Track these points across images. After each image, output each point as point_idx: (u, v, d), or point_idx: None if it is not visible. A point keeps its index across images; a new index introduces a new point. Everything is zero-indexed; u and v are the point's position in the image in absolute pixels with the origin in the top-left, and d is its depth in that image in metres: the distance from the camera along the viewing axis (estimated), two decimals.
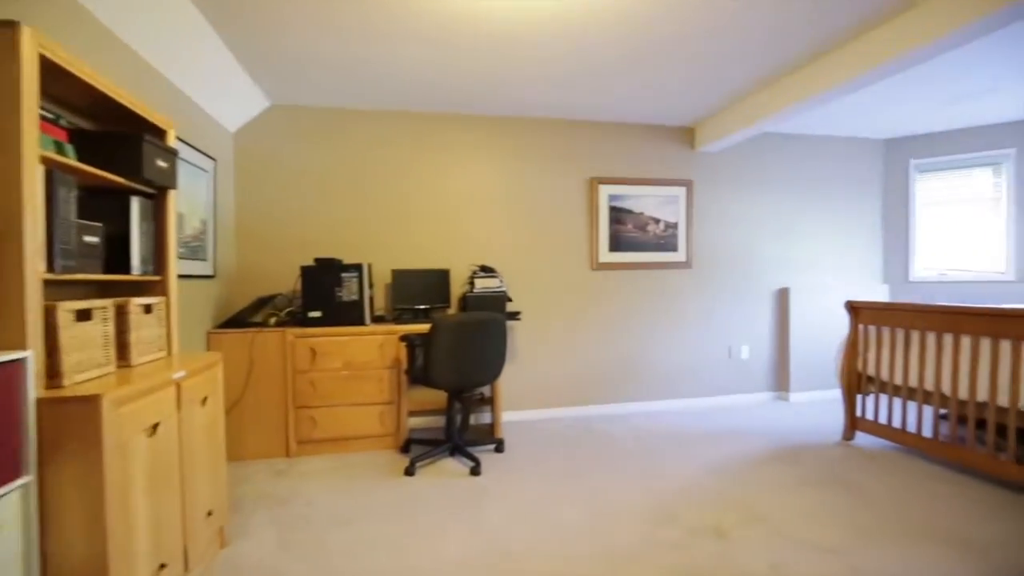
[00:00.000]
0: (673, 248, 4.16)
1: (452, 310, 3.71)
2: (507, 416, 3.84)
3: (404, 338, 2.99)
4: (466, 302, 3.32)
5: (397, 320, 3.36)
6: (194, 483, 1.75)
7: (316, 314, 3.11)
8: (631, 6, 2.34)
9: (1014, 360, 2.42)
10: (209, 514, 1.87)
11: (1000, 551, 1.98)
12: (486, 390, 3.74)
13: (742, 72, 3.11)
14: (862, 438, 3.35)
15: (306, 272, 3.12)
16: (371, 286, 3.41)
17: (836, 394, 4.44)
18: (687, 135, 4.18)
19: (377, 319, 3.43)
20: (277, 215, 3.51)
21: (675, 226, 4.16)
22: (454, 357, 2.73)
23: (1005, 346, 2.50)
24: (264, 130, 3.49)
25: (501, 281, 3.40)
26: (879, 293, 4.52)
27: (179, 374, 1.66)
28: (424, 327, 3.21)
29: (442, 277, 3.56)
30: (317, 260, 3.14)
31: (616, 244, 4.04)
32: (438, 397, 3.65)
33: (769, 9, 2.38)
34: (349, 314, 3.14)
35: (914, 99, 3.60)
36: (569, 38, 2.63)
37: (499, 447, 3.15)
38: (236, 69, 2.91)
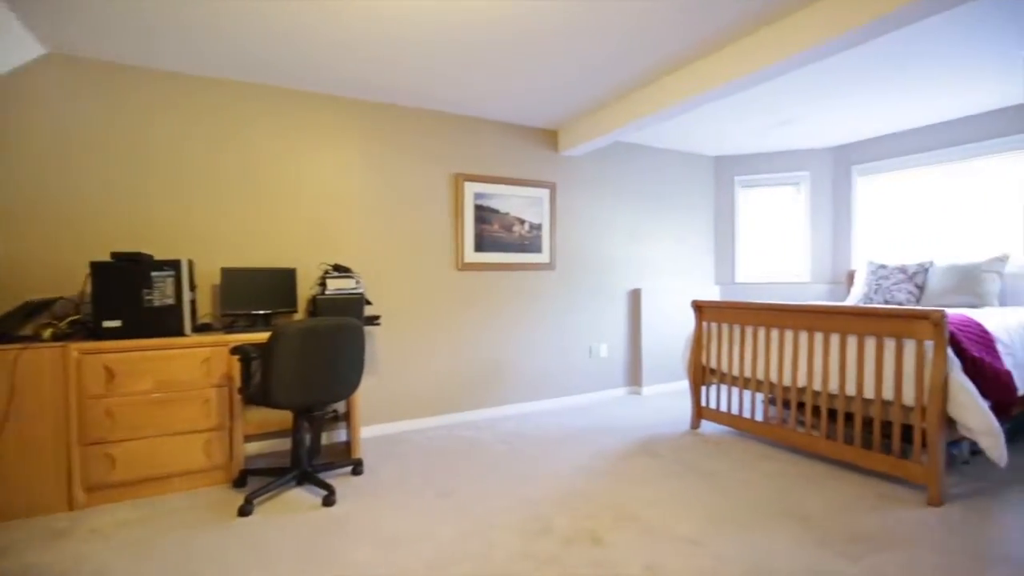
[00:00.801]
0: (538, 249, 4.16)
1: (299, 315, 3.25)
2: (367, 432, 3.47)
3: (237, 350, 2.50)
4: (316, 306, 2.91)
5: (229, 329, 2.81)
6: None
7: (114, 324, 2.45)
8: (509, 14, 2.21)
9: (825, 349, 2.78)
10: None
11: (829, 518, 2.21)
12: (340, 405, 3.34)
13: (600, 82, 3.18)
14: (707, 426, 3.64)
15: (99, 270, 2.44)
16: (193, 288, 2.82)
17: (682, 385, 4.83)
18: (551, 137, 4.22)
19: (202, 328, 2.84)
20: (54, 195, 2.73)
21: (539, 227, 4.16)
22: (301, 370, 2.33)
23: (818, 338, 2.86)
24: (35, 84, 2.69)
25: (358, 282, 3.04)
26: (712, 293, 5.04)
27: None
28: (263, 336, 2.72)
29: (287, 277, 3.08)
30: (115, 255, 2.48)
31: (481, 244, 3.91)
32: (282, 417, 3.15)
33: (624, 24, 2.42)
34: (162, 323, 2.54)
35: (738, 123, 4.05)
36: (431, 20, 2.41)
37: (357, 469, 2.79)
38: None
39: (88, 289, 2.70)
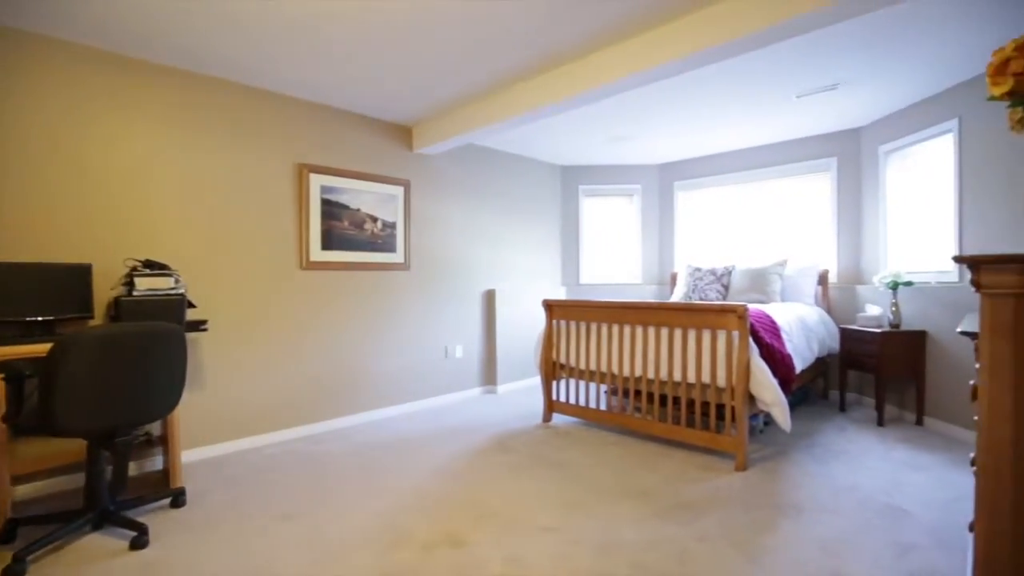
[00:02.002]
0: (391, 248, 4.00)
1: (97, 321, 2.68)
2: (191, 456, 2.98)
3: (2, 367, 1.96)
4: (120, 309, 2.41)
5: None
6: None
7: None
8: None
9: (656, 341, 3.12)
10: None
11: (664, 491, 2.46)
12: (155, 427, 2.83)
13: (454, 83, 3.18)
14: (558, 418, 3.84)
15: None
16: None
17: (535, 382, 5.04)
18: (406, 134, 4.10)
19: None
20: None
21: (393, 226, 4.01)
22: (98, 387, 1.91)
23: (651, 331, 3.19)
24: None
25: (178, 280, 2.60)
26: (559, 294, 5.36)
27: None
28: (32, 349, 2.18)
29: (79, 275, 2.51)
30: None
31: (330, 242, 3.64)
32: (71, 448, 2.56)
33: (482, 25, 2.45)
34: None
35: (581, 135, 4.37)
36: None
37: (178, 500, 2.37)
38: None
39: None
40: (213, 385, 3.09)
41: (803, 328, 3.57)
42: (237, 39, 2.62)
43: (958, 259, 1.18)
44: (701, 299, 4.57)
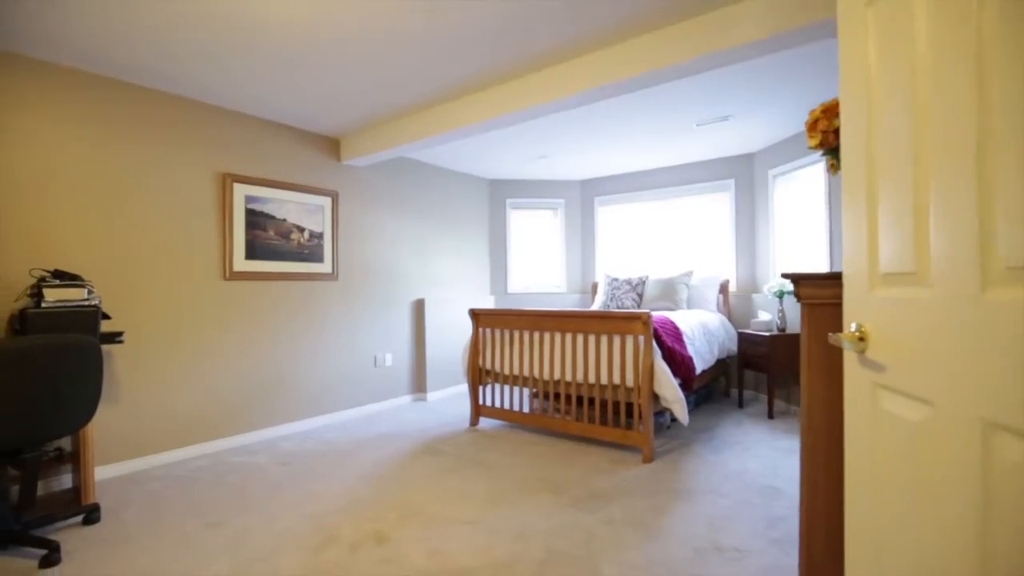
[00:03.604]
0: (319, 259, 4.03)
1: None
2: (105, 472, 2.88)
3: None
4: (26, 322, 2.33)
5: None
6: None
7: None
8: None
9: (573, 346, 3.38)
10: None
11: (576, 484, 2.69)
12: (65, 443, 2.72)
13: (383, 99, 3.31)
14: (485, 422, 4.01)
15: None
16: None
17: (464, 388, 5.18)
18: (333, 145, 4.15)
19: None
20: None
21: (320, 236, 4.04)
22: (2, 405, 1.86)
23: (568, 337, 3.45)
24: None
25: (91, 291, 2.54)
26: (488, 303, 5.55)
27: None
28: None
29: None
30: None
31: (254, 251, 3.62)
32: None
33: (414, 45, 2.61)
34: None
35: (507, 152, 4.61)
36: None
37: (91, 516, 2.31)
38: None
39: None
40: (131, 398, 3.00)
41: (705, 332, 3.97)
42: (157, 47, 2.62)
43: (785, 275, 1.48)
44: (618, 307, 4.92)
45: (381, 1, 2.22)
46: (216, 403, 3.40)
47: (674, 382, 3.09)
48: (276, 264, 3.74)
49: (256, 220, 3.63)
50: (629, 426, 3.38)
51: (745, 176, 4.82)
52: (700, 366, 3.70)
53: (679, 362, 3.31)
